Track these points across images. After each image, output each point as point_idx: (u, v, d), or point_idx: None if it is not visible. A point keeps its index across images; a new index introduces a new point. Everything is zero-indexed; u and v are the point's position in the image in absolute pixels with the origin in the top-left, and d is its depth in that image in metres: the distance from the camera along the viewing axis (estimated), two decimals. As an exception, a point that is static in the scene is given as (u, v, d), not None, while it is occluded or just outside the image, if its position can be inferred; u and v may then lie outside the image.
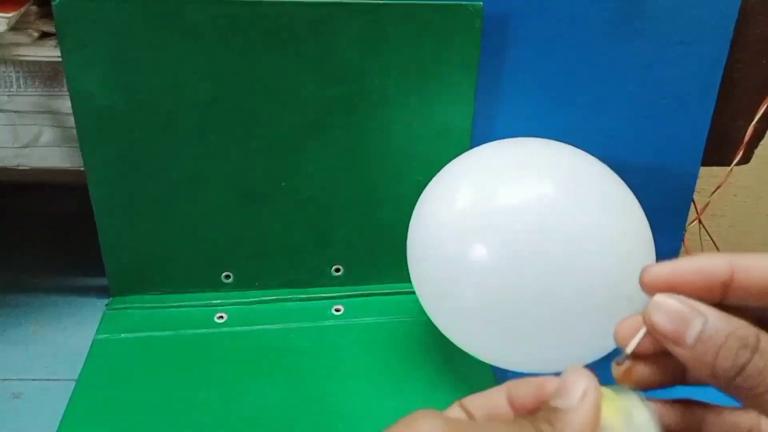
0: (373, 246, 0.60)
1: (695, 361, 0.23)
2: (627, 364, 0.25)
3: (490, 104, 0.58)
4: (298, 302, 0.60)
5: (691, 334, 0.23)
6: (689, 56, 0.56)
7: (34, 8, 0.52)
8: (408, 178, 0.58)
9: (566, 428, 0.23)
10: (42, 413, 0.50)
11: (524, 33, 0.55)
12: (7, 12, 0.49)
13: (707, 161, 0.62)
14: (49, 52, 0.53)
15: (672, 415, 0.26)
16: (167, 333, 0.56)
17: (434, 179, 0.50)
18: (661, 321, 0.23)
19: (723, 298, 0.24)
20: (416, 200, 0.51)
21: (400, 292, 0.60)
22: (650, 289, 0.25)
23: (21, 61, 0.54)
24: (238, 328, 0.57)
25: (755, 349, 0.22)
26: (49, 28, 0.52)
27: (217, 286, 0.60)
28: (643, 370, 0.26)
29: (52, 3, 0.49)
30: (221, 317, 0.58)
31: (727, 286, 0.24)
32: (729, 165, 0.62)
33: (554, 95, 0.58)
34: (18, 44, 0.53)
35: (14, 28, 0.51)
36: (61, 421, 0.48)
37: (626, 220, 0.46)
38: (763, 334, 0.22)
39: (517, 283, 0.43)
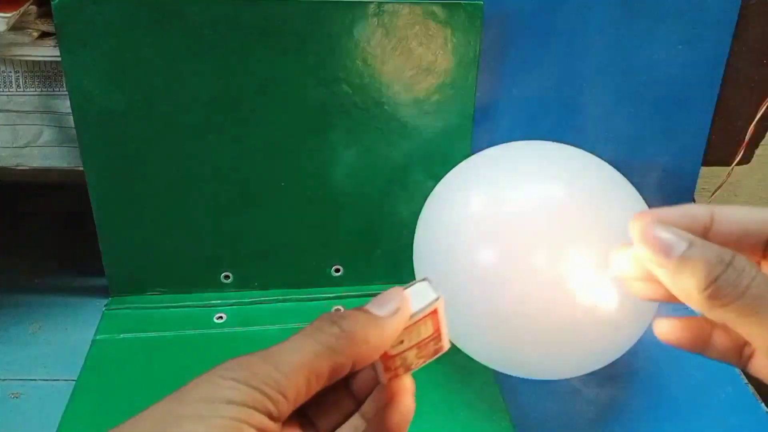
0: (373, 246, 0.60)
1: (676, 276, 0.26)
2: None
3: (490, 104, 0.58)
4: (298, 302, 0.60)
5: (676, 251, 0.25)
6: (690, 56, 0.56)
7: (33, 8, 0.52)
8: (408, 178, 0.58)
9: (368, 333, 0.26)
10: (42, 413, 0.50)
11: (524, 33, 0.55)
12: (7, 12, 0.49)
13: (708, 161, 0.62)
14: (49, 52, 0.53)
15: (684, 330, 0.29)
16: (167, 333, 0.56)
17: (440, 184, 0.50)
18: (651, 237, 0.26)
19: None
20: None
21: (400, 292, 0.60)
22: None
23: (21, 61, 0.54)
24: (238, 329, 0.57)
25: (729, 264, 0.24)
26: (49, 27, 0.52)
27: (216, 286, 0.60)
28: (635, 285, 0.30)
29: (52, 3, 0.49)
30: (221, 317, 0.58)
31: (707, 230, 0.27)
32: (730, 165, 0.62)
33: (554, 95, 0.58)
34: (18, 44, 0.53)
35: (14, 27, 0.51)
36: (61, 421, 0.48)
37: None
38: (738, 255, 0.25)
39: (525, 289, 0.43)
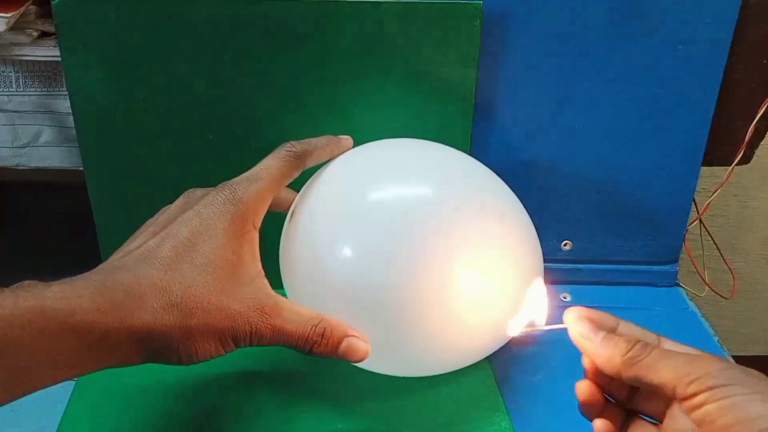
0: (373, 246, 0.60)
1: (602, 346, 0.37)
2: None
3: (490, 104, 0.58)
4: (298, 302, 0.60)
5: (599, 335, 0.38)
6: (689, 56, 0.56)
7: (33, 8, 0.52)
8: (408, 178, 0.57)
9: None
10: (42, 413, 0.50)
11: (524, 33, 0.55)
12: (7, 12, 0.49)
13: (708, 161, 0.61)
14: (49, 52, 0.53)
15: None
16: (167, 333, 0.56)
17: (305, 186, 0.49)
18: (586, 318, 0.39)
19: None
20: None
21: (400, 292, 0.60)
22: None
23: (21, 61, 0.54)
24: (238, 328, 0.57)
25: (639, 341, 0.37)
26: (49, 27, 0.53)
27: (216, 286, 0.60)
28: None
29: (52, 3, 0.49)
30: (221, 317, 0.58)
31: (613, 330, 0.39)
32: (730, 165, 0.62)
33: (554, 95, 0.58)
34: (17, 44, 0.53)
35: (14, 27, 0.51)
36: (61, 421, 0.48)
37: (507, 222, 0.46)
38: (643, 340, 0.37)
39: (390, 285, 0.43)
